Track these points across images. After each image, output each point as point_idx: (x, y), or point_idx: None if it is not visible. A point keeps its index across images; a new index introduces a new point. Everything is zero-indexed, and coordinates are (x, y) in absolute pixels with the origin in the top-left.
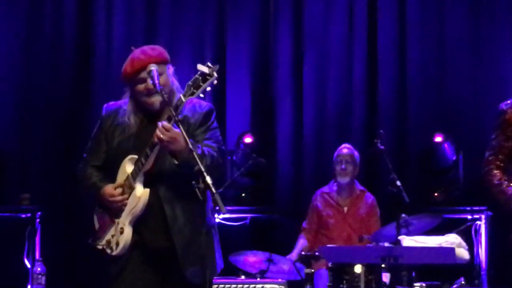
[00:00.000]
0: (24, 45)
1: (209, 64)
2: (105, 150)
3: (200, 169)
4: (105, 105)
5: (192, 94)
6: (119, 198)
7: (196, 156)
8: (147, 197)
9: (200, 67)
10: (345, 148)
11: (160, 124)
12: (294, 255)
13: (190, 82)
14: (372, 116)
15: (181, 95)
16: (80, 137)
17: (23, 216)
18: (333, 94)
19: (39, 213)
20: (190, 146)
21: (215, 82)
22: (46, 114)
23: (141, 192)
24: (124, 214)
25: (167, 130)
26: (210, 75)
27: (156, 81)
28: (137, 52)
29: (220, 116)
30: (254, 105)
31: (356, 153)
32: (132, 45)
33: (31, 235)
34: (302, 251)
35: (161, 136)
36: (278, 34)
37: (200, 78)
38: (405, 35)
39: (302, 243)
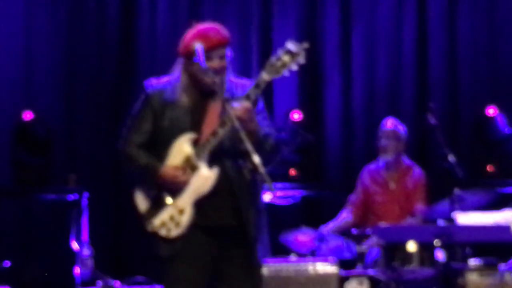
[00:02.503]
0: (68, 26)
1: (296, 42)
2: (152, 128)
3: (247, 149)
4: (147, 82)
5: (277, 72)
6: (183, 178)
7: (262, 136)
8: (216, 177)
9: (288, 44)
10: (388, 124)
11: (238, 104)
12: (329, 227)
13: (273, 60)
14: (422, 89)
15: (264, 73)
16: (127, 117)
17: (70, 197)
18: (382, 68)
19: (86, 194)
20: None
21: (302, 61)
22: (92, 93)
23: (208, 172)
24: (185, 194)
25: (247, 109)
26: (298, 53)
27: (202, 60)
28: (209, 29)
29: (268, 93)
30: (302, 81)
31: (400, 128)
32: (176, 21)
33: (77, 217)
34: (343, 225)
35: (243, 115)
36: (326, 7)
37: (285, 56)
38: (455, 5)
39: (344, 217)
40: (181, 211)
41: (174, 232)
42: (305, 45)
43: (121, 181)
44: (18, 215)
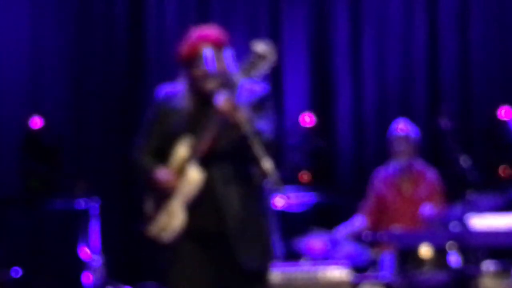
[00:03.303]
0: (76, 32)
1: (265, 43)
2: (159, 134)
3: (257, 153)
4: (158, 88)
5: (249, 75)
6: (172, 182)
7: (253, 130)
8: (201, 181)
9: (255, 47)
10: (399, 127)
11: (220, 95)
12: (344, 232)
13: (245, 63)
14: (434, 91)
15: (237, 76)
16: (137, 122)
17: (79, 204)
18: (394, 70)
19: (96, 201)
20: (248, 119)
21: (273, 63)
22: (101, 99)
23: (194, 175)
24: (176, 198)
25: (228, 100)
26: (267, 55)
27: (211, 64)
28: (194, 35)
29: (278, 97)
30: (313, 84)
31: (412, 131)
32: (185, 24)
33: (87, 224)
34: (357, 231)
35: (224, 106)
36: (336, 9)
37: (256, 58)
38: (466, 6)
39: (358, 222)
40: (172, 216)
41: (167, 237)
42: (273, 46)
43: (131, 188)
44: (27, 224)
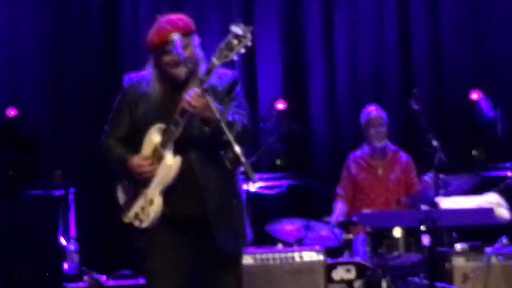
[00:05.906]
0: (52, 22)
1: (242, 25)
2: (128, 121)
3: (228, 139)
4: (126, 76)
5: (226, 57)
6: (149, 168)
7: (226, 123)
8: (179, 166)
9: (234, 28)
10: (373, 111)
11: (191, 91)
12: (334, 219)
13: (222, 45)
14: (406, 75)
15: (214, 58)
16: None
17: (56, 193)
18: (366, 55)
19: (72, 189)
20: (219, 112)
21: (249, 44)
22: (78, 89)
23: (172, 160)
24: (153, 184)
25: (199, 97)
26: (244, 36)
27: (180, 51)
28: (163, 22)
29: (251, 83)
30: (285, 70)
31: (384, 114)
32: (159, 12)
33: (64, 212)
34: (342, 215)
35: (194, 103)
36: None
37: (233, 40)
38: None
39: (340, 207)
40: (150, 202)
41: (145, 223)
42: (250, 28)
43: (108, 176)
44: (5, 212)
